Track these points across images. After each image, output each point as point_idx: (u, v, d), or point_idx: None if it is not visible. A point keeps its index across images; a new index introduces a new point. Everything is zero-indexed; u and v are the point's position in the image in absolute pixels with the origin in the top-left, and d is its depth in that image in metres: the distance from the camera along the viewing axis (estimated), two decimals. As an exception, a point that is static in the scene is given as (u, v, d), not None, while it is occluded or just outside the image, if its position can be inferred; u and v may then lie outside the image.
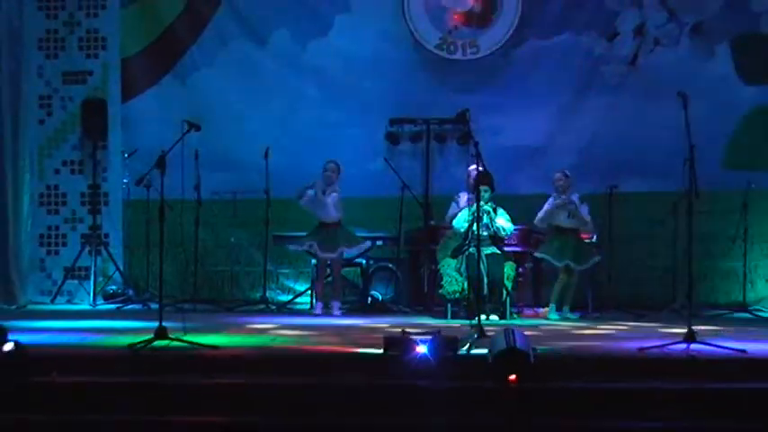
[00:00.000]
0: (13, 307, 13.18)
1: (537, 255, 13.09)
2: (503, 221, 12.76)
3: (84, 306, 13.62)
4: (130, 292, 13.77)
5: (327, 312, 13.06)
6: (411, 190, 13.64)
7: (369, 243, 13.30)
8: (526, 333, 9.84)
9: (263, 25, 14.36)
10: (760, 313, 13.28)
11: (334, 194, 13.08)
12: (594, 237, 13.14)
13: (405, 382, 9.00)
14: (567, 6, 14.22)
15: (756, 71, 14.05)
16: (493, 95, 14.10)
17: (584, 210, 12.97)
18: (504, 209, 12.85)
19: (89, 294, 13.82)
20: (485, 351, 9.41)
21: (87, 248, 13.95)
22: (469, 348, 9.74)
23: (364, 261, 13.66)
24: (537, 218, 12.98)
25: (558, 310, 12.85)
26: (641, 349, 9.90)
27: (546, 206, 12.91)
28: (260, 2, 14.36)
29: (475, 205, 11.91)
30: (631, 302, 13.21)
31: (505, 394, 8.79)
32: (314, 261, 13.37)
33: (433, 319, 12.35)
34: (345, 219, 13.27)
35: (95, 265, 13.91)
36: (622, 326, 12.01)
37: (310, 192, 13.01)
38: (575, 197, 12.96)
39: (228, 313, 13.15)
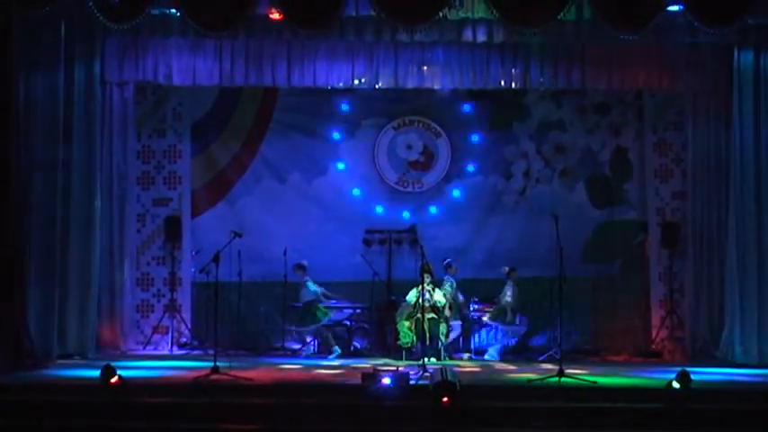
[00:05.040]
0: (118, 352, 13.03)
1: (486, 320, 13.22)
2: (438, 297, 12.77)
3: (165, 352, 13.46)
4: (196, 342, 13.62)
5: (324, 356, 12.96)
6: (379, 276, 13.60)
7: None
8: (454, 370, 9.85)
9: (284, 169, 14.31)
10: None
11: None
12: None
13: (375, 403, 8.99)
14: (479, 158, 14.25)
15: (601, 200, 14.14)
16: (432, 215, 14.14)
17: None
18: (439, 288, 12.86)
19: (168, 344, 13.66)
20: (427, 382, 9.41)
21: (167, 314, 13.82)
22: (417, 381, 9.74)
23: (349, 322, 13.53)
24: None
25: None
26: (529, 381, 9.91)
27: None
28: (282, 155, 14.27)
29: (421, 286, 12.01)
30: (522, 349, 13.12)
31: (441, 411, 8.79)
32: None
33: (394, 361, 12.21)
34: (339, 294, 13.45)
35: (172, 325, 13.76)
36: (518, 365, 11.98)
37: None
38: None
39: (259, 356, 13.01)
